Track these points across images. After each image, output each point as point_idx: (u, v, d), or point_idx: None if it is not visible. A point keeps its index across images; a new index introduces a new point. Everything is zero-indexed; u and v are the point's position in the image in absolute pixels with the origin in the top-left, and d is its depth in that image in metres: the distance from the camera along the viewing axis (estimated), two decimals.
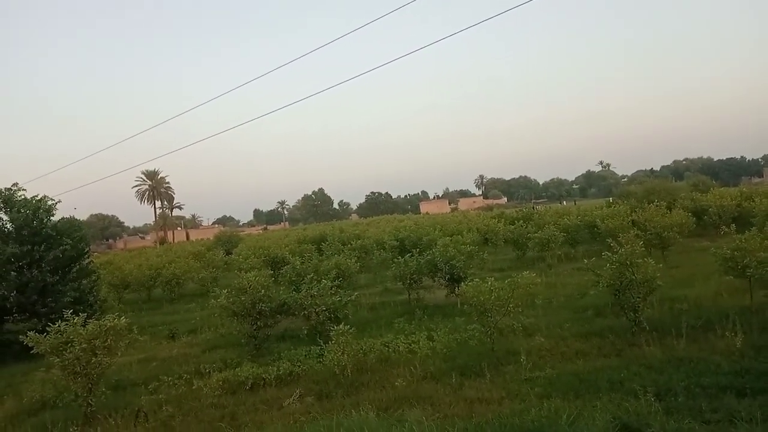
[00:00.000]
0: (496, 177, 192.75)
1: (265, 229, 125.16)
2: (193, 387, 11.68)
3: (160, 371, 13.00)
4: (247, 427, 9.06)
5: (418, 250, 20.36)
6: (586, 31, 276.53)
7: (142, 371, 13.70)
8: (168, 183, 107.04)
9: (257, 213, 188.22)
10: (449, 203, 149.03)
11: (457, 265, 17.59)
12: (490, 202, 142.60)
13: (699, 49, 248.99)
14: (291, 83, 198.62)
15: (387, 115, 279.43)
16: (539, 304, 15.01)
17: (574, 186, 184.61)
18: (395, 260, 19.62)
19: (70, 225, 20.30)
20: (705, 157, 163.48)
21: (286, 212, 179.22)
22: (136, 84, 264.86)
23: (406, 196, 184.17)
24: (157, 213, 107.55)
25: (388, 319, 16.25)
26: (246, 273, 16.28)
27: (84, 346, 10.16)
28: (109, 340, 10.53)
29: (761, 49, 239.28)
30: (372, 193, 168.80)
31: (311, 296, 14.17)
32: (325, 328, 13.16)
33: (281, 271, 21.87)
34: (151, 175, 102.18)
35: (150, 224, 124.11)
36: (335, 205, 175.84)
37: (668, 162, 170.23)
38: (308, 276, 15.77)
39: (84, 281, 19.24)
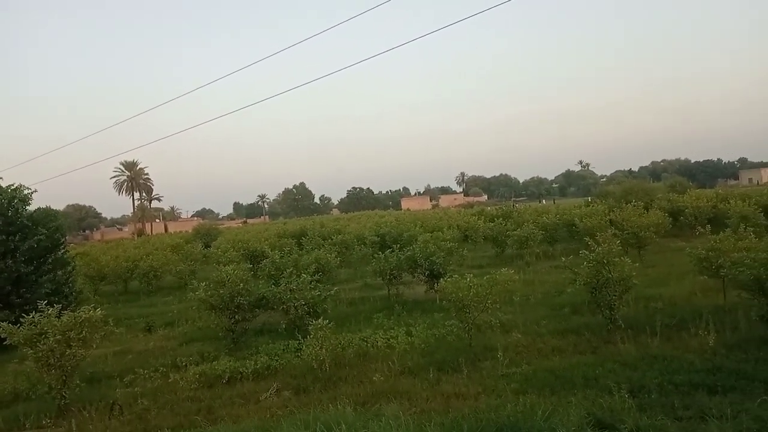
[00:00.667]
0: (477, 175, 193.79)
1: (245, 222, 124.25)
2: (170, 380, 11.58)
3: (136, 364, 12.87)
4: (224, 421, 9.00)
5: (398, 245, 20.35)
6: (568, 31, 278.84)
7: (118, 364, 13.55)
8: (147, 174, 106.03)
9: (237, 206, 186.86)
10: (430, 200, 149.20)
11: (437, 261, 17.66)
12: (470, 199, 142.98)
13: (679, 52, 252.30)
14: (274, 75, 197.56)
15: (369, 110, 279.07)
16: (517, 301, 15.14)
17: (554, 185, 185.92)
18: (375, 256, 19.64)
19: (46, 215, 19.98)
20: (682, 158, 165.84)
21: (266, 206, 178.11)
22: (117, 73, 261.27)
23: (387, 192, 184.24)
24: (136, 204, 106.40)
25: (367, 314, 16.26)
26: (225, 266, 16.20)
27: (58, 337, 10.03)
28: (84, 332, 10.40)
29: (741, 52, 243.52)
30: (353, 188, 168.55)
31: (290, 290, 14.13)
32: (304, 323, 13.12)
33: (260, 265, 21.81)
34: (130, 166, 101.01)
35: (128, 216, 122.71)
36: (316, 200, 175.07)
37: (646, 163, 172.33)
38: (287, 270, 15.72)
39: (59, 272, 18.96)
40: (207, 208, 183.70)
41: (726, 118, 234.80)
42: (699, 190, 45.43)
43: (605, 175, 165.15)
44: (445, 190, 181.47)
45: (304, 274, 15.06)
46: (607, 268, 11.71)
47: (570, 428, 5.66)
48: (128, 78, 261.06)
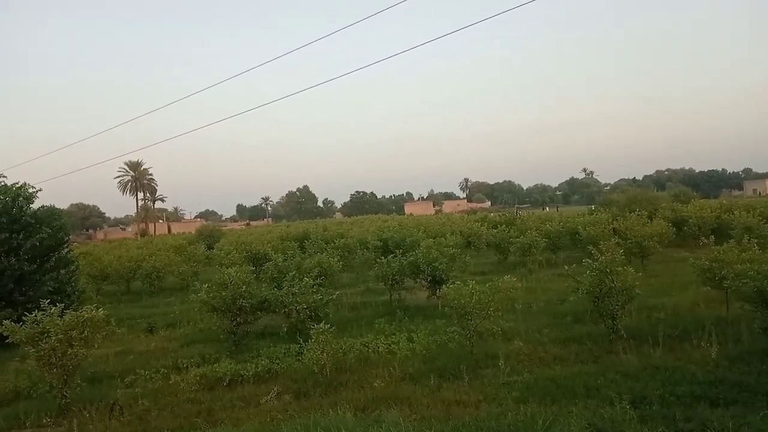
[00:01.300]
0: (480, 181, 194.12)
1: (248, 224, 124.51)
2: (170, 381, 11.59)
3: (137, 365, 12.88)
4: (224, 424, 9.00)
5: (401, 251, 20.38)
6: (574, 40, 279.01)
7: (119, 364, 13.56)
8: (151, 174, 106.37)
9: (240, 208, 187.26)
10: (433, 205, 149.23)
11: (440, 267, 17.64)
12: (474, 205, 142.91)
13: (685, 61, 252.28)
14: (279, 78, 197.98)
15: (374, 115, 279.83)
16: (519, 308, 15.12)
17: (558, 192, 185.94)
18: (378, 260, 19.61)
19: (50, 214, 20.01)
20: (687, 168, 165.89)
21: (269, 208, 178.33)
22: (122, 74, 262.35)
23: (391, 196, 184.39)
24: (139, 205, 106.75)
25: (369, 319, 16.24)
26: (227, 268, 16.21)
27: (60, 336, 10.05)
28: (86, 332, 10.43)
29: (747, 62, 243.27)
30: (357, 192, 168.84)
31: (292, 294, 14.12)
32: (305, 327, 13.10)
33: (263, 268, 21.77)
34: (134, 166, 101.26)
35: (131, 216, 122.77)
36: (319, 203, 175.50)
37: (651, 172, 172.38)
38: (290, 273, 15.71)
39: (62, 271, 18.97)
40: (210, 210, 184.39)
41: (731, 128, 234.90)
42: (703, 200, 45.19)
43: (609, 184, 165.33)
44: (449, 196, 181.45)
45: (307, 277, 15.05)
46: (610, 277, 11.68)
47: None
48: (132, 78, 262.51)
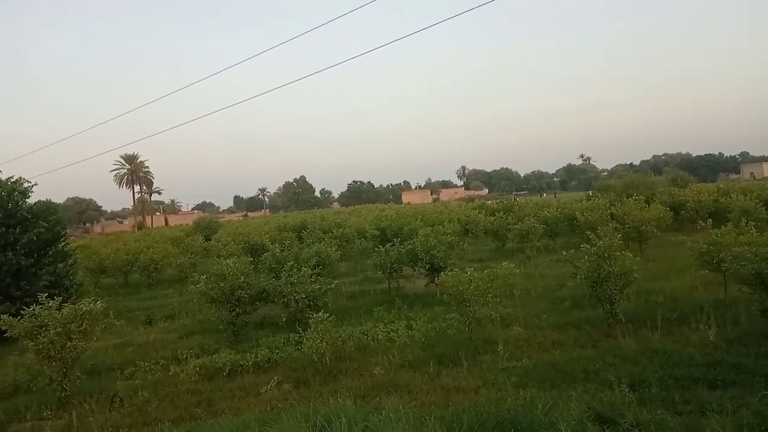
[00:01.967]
0: (477, 168, 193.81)
1: (246, 215, 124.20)
2: (170, 373, 11.60)
3: (137, 356, 12.91)
4: (224, 414, 8.99)
5: (399, 239, 20.36)
6: (569, 24, 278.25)
7: (118, 356, 13.57)
8: (147, 167, 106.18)
9: (237, 199, 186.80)
10: (431, 194, 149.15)
11: (438, 255, 17.63)
12: (471, 193, 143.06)
13: (681, 46, 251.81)
14: (274, 68, 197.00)
15: (370, 103, 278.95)
16: (517, 294, 15.12)
17: (555, 179, 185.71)
18: (376, 249, 19.61)
19: (46, 208, 20.00)
20: (684, 152, 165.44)
21: (266, 199, 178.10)
22: (118, 66, 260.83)
23: (388, 185, 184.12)
24: (136, 197, 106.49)
25: (368, 308, 16.26)
26: (225, 259, 16.17)
27: (59, 330, 10.04)
28: (84, 325, 10.41)
29: (742, 47, 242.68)
30: (354, 182, 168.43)
31: (291, 284, 14.13)
32: (304, 316, 13.10)
33: (261, 258, 21.75)
34: (130, 159, 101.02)
35: (128, 209, 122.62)
36: (317, 194, 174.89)
37: (648, 157, 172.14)
38: (288, 263, 15.68)
39: (60, 265, 18.97)
40: (207, 202, 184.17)
41: (727, 112, 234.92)
42: (700, 184, 45.36)
43: (606, 169, 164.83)
44: (446, 184, 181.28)
45: (305, 267, 15.05)
46: (608, 262, 11.69)
47: (570, 422, 5.65)
48: (128, 71, 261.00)
